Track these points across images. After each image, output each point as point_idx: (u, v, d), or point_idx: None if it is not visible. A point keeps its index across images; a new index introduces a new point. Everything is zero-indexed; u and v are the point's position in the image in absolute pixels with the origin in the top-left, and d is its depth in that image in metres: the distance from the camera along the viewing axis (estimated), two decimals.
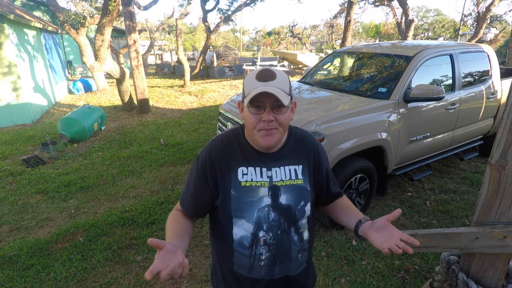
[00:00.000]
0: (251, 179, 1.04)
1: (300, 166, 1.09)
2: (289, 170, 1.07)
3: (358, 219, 1.07)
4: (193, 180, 1.09)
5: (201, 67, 15.25)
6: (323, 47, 33.46)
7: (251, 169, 1.05)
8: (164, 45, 32.32)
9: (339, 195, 1.24)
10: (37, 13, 13.68)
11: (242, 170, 1.05)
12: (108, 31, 7.18)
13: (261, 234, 1.03)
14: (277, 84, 0.95)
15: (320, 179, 1.15)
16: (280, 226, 1.04)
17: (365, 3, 14.87)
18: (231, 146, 1.08)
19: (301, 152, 1.11)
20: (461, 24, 19.14)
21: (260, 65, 16.10)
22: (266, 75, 0.96)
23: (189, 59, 20.20)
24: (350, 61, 4.15)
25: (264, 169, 1.05)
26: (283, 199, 1.04)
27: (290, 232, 1.06)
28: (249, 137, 1.07)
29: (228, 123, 3.42)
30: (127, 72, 7.94)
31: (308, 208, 1.08)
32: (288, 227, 1.06)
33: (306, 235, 1.11)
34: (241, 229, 1.04)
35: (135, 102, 8.27)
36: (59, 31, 11.74)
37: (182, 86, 12.12)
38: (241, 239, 1.04)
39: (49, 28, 9.84)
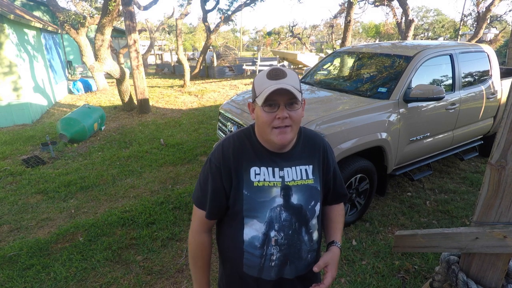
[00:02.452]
0: (264, 179, 1.04)
1: (311, 166, 1.10)
2: (300, 170, 1.07)
3: (333, 239, 1.15)
4: (210, 183, 1.06)
5: (201, 67, 15.25)
6: (323, 47, 33.46)
7: (263, 169, 1.05)
8: (164, 45, 32.32)
9: (344, 197, 1.24)
10: (37, 13, 13.68)
11: (255, 170, 1.05)
12: (108, 31, 7.18)
13: (272, 234, 1.03)
14: (288, 82, 0.96)
15: (328, 178, 1.16)
16: (291, 226, 1.04)
17: (365, 3, 14.87)
18: (243, 146, 1.08)
19: (311, 152, 1.12)
20: (461, 24, 19.14)
21: (260, 65, 16.10)
22: (276, 73, 0.97)
23: (189, 59, 20.21)
24: (350, 61, 4.15)
25: (276, 169, 1.05)
26: (294, 199, 1.05)
27: (301, 232, 1.06)
28: (261, 137, 1.06)
29: (228, 123, 3.42)
30: (127, 72, 7.94)
31: (318, 208, 1.09)
32: (299, 227, 1.06)
33: (316, 235, 1.11)
34: (252, 229, 1.04)
35: (135, 102, 8.27)
36: (59, 31, 11.74)
37: (182, 86, 12.12)
38: (252, 239, 1.04)
39: (49, 28, 9.84)
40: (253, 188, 1.03)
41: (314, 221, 1.09)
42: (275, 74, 0.97)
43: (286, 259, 1.05)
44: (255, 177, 1.04)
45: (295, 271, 1.08)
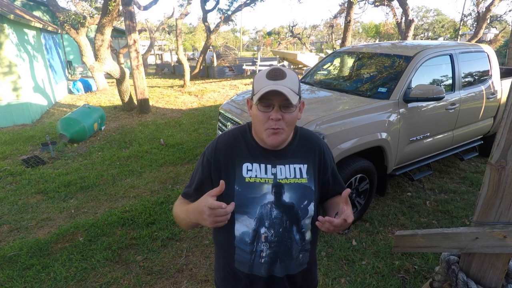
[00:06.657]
0: (256, 175, 1.05)
1: (305, 165, 1.09)
2: (294, 168, 1.08)
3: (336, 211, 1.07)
4: (198, 174, 1.12)
5: (201, 67, 15.25)
6: (323, 47, 33.45)
7: (255, 165, 1.06)
8: (164, 45, 32.30)
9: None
10: (37, 13, 13.67)
11: (247, 166, 1.06)
12: (108, 31, 7.18)
13: (262, 230, 1.04)
14: (286, 83, 0.97)
15: (325, 180, 1.15)
16: (282, 223, 1.04)
17: (365, 3, 14.87)
18: (237, 142, 1.10)
19: (307, 151, 1.12)
20: (461, 24, 19.14)
21: (260, 65, 16.09)
22: (276, 74, 0.98)
23: (189, 59, 20.20)
24: (350, 61, 4.15)
25: (269, 166, 1.06)
26: (286, 197, 1.05)
27: (292, 231, 1.06)
28: (256, 135, 1.08)
29: (228, 123, 3.42)
30: (127, 72, 7.94)
31: (311, 208, 1.08)
32: (290, 226, 1.06)
33: (308, 235, 1.10)
34: (243, 225, 1.05)
35: (135, 102, 8.27)
36: (59, 31, 11.74)
37: (182, 86, 12.12)
38: (243, 235, 1.05)
39: (49, 28, 9.84)
40: (245, 184, 1.04)
41: (307, 221, 1.08)
42: (274, 74, 0.98)
43: (276, 257, 1.06)
44: (247, 173, 1.05)
45: (285, 270, 1.08)
